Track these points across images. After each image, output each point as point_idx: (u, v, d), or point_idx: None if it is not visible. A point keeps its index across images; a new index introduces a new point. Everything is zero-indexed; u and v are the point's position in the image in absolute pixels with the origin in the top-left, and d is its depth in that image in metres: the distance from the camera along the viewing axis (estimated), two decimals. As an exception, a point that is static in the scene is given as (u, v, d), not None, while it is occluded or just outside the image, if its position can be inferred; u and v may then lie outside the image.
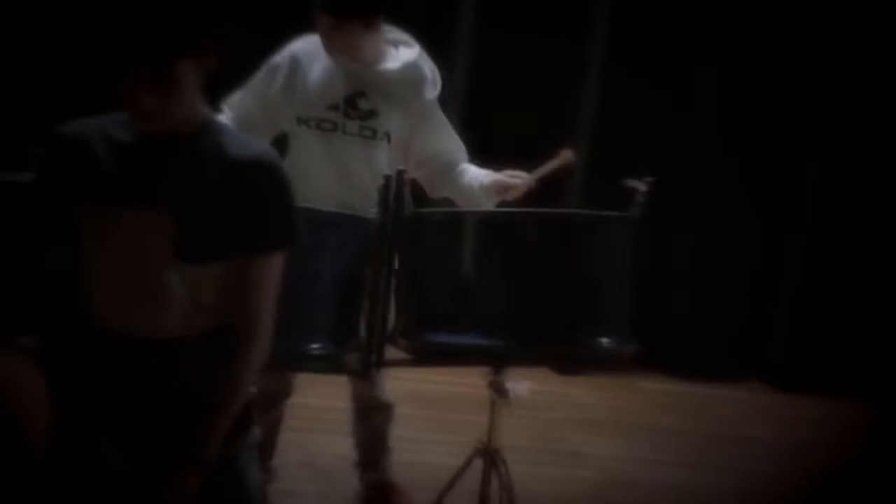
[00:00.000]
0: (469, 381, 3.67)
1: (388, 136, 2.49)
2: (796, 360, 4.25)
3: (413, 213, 2.17)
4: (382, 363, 2.18)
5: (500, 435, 2.38)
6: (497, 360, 2.24)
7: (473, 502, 2.36)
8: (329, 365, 2.09)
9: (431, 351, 2.23)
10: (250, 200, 1.49)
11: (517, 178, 2.45)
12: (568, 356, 2.27)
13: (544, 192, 2.52)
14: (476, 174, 2.52)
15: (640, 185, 2.25)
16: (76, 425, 1.52)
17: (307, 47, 2.47)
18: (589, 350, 2.21)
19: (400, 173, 2.15)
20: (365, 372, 2.17)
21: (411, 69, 2.49)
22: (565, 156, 2.52)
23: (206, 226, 1.48)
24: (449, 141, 2.58)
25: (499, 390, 2.30)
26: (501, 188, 2.46)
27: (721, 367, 4.25)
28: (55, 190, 1.51)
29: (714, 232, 4.23)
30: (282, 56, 2.48)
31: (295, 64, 2.46)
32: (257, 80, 2.48)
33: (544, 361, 2.35)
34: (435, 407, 3.51)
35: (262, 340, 1.54)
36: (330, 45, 2.41)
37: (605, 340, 2.16)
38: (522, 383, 2.60)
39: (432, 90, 2.53)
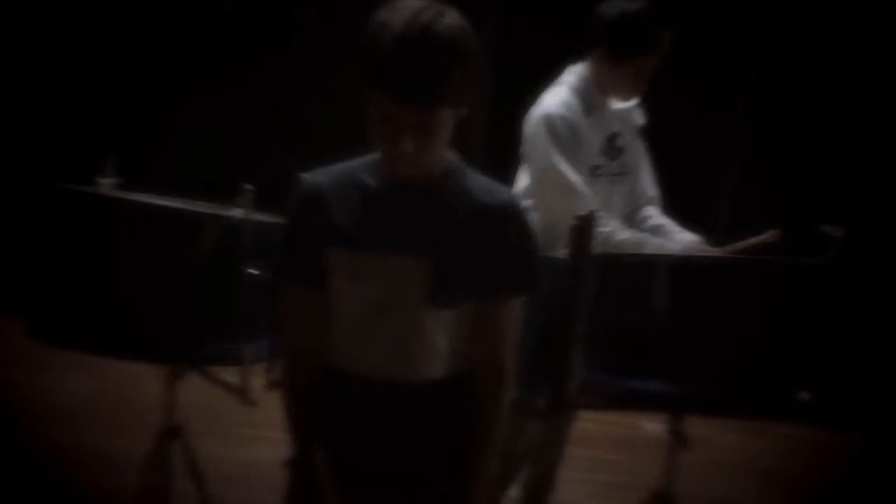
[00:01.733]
0: (607, 419, 3.63)
1: (628, 170, 2.53)
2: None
3: (603, 256, 2.14)
4: (569, 405, 2.16)
5: (643, 475, 2.32)
6: (682, 408, 2.19)
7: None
8: (520, 407, 2.07)
9: (616, 395, 2.20)
10: (497, 246, 1.50)
11: (716, 252, 2.39)
12: (761, 409, 2.20)
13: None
14: (675, 236, 2.48)
15: (836, 232, 2.18)
16: (308, 462, 1.54)
17: (568, 99, 2.44)
18: (784, 404, 2.15)
19: (591, 214, 2.13)
20: (552, 414, 2.15)
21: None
22: (771, 235, 2.42)
23: (456, 270, 1.49)
24: (651, 176, 2.60)
25: (680, 437, 2.24)
26: None
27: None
28: (307, 236, 1.53)
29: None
30: (560, 117, 2.41)
31: (575, 120, 2.42)
32: (566, 149, 2.40)
33: (731, 412, 2.28)
34: (575, 443, 3.47)
35: (509, 383, 1.55)
36: (634, 86, 2.46)
37: (802, 394, 2.09)
38: (658, 424, 2.53)
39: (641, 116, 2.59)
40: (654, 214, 2.57)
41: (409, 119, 1.39)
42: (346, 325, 1.52)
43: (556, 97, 2.44)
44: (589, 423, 3.53)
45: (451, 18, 1.40)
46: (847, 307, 2.37)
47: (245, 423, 2.91)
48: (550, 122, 2.39)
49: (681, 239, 2.47)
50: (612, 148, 2.51)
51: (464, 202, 1.50)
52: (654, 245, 2.40)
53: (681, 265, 2.23)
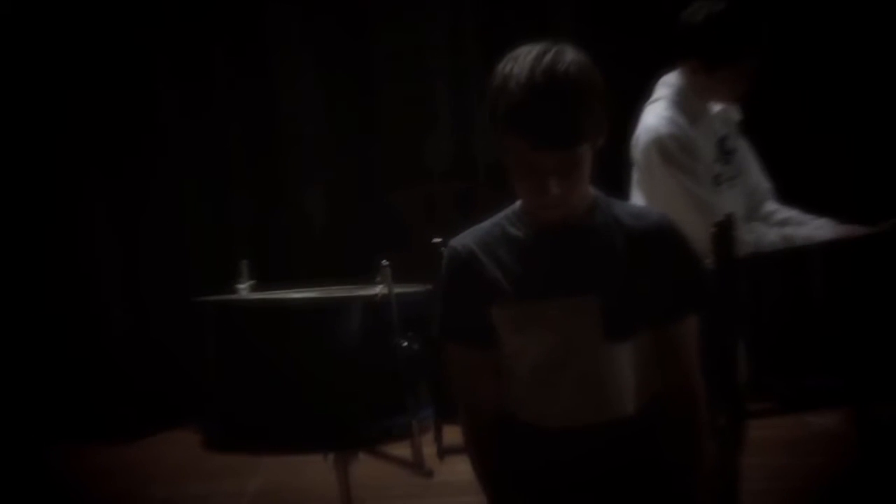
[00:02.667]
0: (772, 422, 3.47)
1: (741, 171, 2.45)
2: None
3: (750, 256, 2.09)
4: (746, 415, 2.09)
5: (825, 476, 2.20)
6: (865, 398, 2.10)
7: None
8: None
9: (789, 397, 2.12)
10: (659, 268, 1.48)
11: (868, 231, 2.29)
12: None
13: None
14: (811, 225, 2.40)
15: None
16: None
17: (671, 114, 2.36)
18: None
19: (730, 216, 2.07)
20: (730, 429, 2.08)
21: None
22: None
23: (625, 300, 1.48)
24: (760, 169, 2.51)
25: (869, 428, 2.14)
26: None
27: None
28: (467, 300, 1.53)
29: None
30: (671, 136, 2.32)
31: (685, 135, 2.34)
32: (685, 167, 2.32)
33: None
34: (745, 454, 3.34)
35: (703, 403, 1.52)
36: (735, 89, 2.36)
37: None
38: (827, 418, 2.41)
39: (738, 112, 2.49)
40: (778, 208, 2.49)
41: (551, 162, 1.40)
42: (527, 378, 1.51)
43: (659, 115, 2.36)
44: (754, 430, 3.42)
45: (572, 55, 1.41)
46: None
47: (424, 493, 2.92)
48: (662, 145, 2.32)
49: (824, 226, 2.38)
50: (725, 152, 2.44)
51: (617, 232, 1.49)
52: (801, 238, 2.32)
53: (834, 250, 2.15)
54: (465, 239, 1.55)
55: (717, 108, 2.45)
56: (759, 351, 2.07)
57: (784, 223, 2.45)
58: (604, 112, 1.44)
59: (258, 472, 3.51)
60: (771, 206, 2.50)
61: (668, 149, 2.31)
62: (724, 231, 2.06)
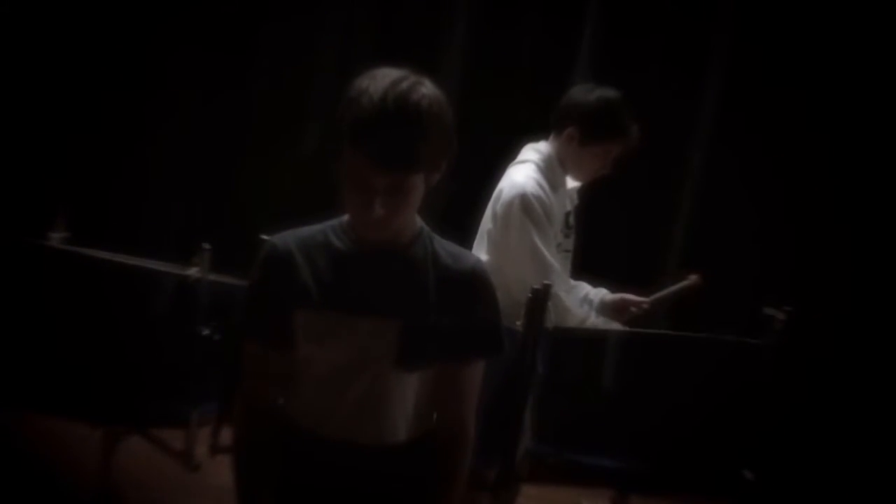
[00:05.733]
0: (548, 496, 3.60)
1: (573, 247, 2.63)
2: None
3: (554, 328, 2.17)
4: (518, 478, 2.15)
5: None
6: (627, 485, 2.20)
7: None
8: (472, 480, 2.06)
9: (560, 469, 2.20)
10: (463, 310, 1.53)
11: (638, 300, 2.57)
12: (705, 487, 2.22)
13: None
14: (593, 290, 2.60)
15: (779, 314, 2.25)
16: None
17: (538, 177, 2.52)
18: (728, 483, 2.18)
19: (546, 286, 2.17)
20: (502, 486, 2.14)
21: None
22: (692, 281, 2.55)
23: (424, 333, 1.51)
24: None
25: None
26: (623, 307, 2.53)
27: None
28: (274, 299, 1.53)
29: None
30: (536, 197, 2.47)
31: (547, 199, 2.50)
32: (542, 228, 2.46)
33: (675, 490, 2.30)
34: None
35: (469, 446, 1.57)
36: (598, 167, 2.56)
37: (746, 473, 2.13)
38: (600, 500, 2.54)
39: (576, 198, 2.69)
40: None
41: (381, 183, 1.43)
42: (314, 386, 1.52)
43: (528, 176, 2.52)
44: (530, 501, 3.52)
45: (428, 88, 1.45)
46: (790, 387, 2.43)
47: (188, 492, 2.83)
48: (526, 201, 2.47)
49: (603, 292, 2.61)
50: (568, 226, 2.62)
51: (432, 267, 1.53)
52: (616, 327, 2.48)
53: (630, 340, 2.28)
54: (287, 238, 1.55)
55: (569, 185, 2.61)
56: (544, 418, 2.16)
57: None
58: (445, 152, 1.48)
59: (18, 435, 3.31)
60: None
61: (531, 206, 2.47)
62: (539, 299, 2.16)
